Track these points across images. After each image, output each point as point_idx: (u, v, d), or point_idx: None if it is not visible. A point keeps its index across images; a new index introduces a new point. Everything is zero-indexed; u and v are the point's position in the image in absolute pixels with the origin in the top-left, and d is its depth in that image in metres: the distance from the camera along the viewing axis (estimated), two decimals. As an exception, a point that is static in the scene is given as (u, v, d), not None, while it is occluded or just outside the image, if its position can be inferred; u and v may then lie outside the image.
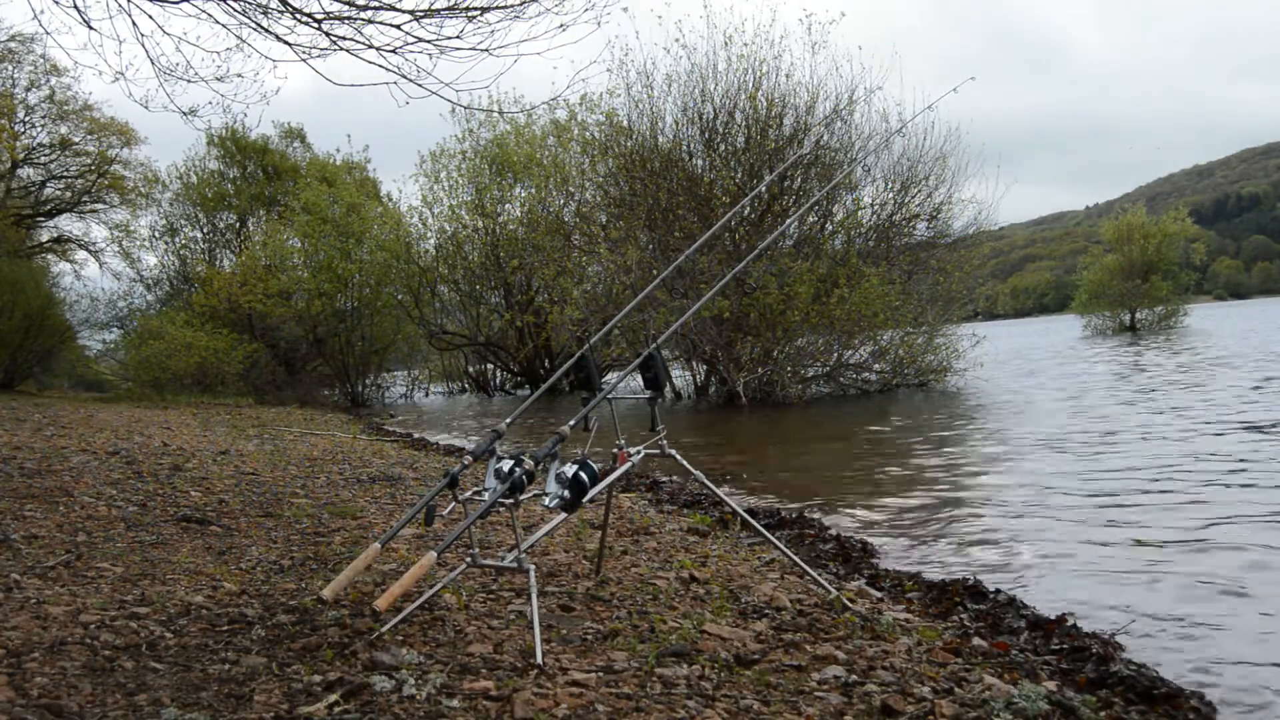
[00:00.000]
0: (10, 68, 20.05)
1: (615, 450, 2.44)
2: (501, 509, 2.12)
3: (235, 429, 9.40)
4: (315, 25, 4.85)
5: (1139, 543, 3.57)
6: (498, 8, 4.88)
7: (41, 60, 19.92)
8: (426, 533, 3.37)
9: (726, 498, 2.69)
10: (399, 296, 20.76)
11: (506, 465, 2.08)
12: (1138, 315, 35.69)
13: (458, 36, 4.93)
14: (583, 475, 2.17)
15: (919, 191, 13.63)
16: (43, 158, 21.96)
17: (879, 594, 3.00)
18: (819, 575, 2.78)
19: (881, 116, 16.60)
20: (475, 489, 2.17)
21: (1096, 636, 2.46)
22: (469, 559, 2.20)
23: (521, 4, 4.87)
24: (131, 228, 22.61)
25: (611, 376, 2.60)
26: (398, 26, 4.87)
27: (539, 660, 1.92)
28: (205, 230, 23.32)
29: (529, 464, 2.07)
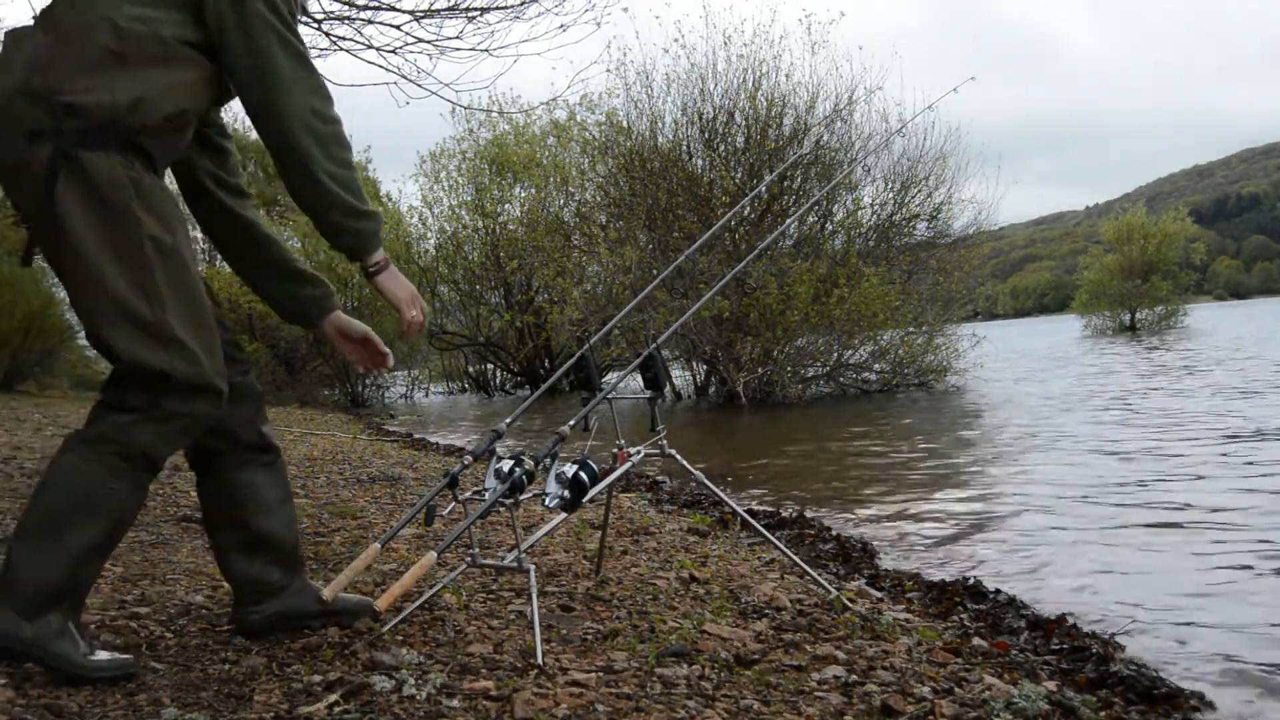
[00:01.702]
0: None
1: (615, 450, 2.44)
2: (501, 509, 2.12)
3: (235, 429, 9.38)
4: (315, 25, 4.85)
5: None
6: (498, 8, 4.88)
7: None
8: (426, 533, 3.37)
9: (726, 498, 2.69)
10: (398, 296, 20.71)
11: (506, 465, 2.08)
12: (1138, 315, 35.70)
13: (458, 37, 4.95)
14: (583, 475, 2.16)
15: (919, 191, 13.64)
16: (43, 158, 21.95)
17: (879, 594, 3.00)
18: (819, 575, 2.78)
19: (881, 116, 16.59)
20: (475, 489, 2.17)
21: (1096, 636, 2.46)
22: (469, 559, 2.20)
23: (521, 4, 4.88)
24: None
25: (611, 376, 2.60)
26: (397, 27, 4.88)
27: (539, 660, 1.92)
28: (205, 230, 23.29)
29: (529, 464, 2.07)
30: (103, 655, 1.78)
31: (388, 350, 2.19)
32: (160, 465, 1.80)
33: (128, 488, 1.75)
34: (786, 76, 13.22)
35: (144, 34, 1.70)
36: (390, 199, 23.02)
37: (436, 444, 9.05)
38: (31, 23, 1.73)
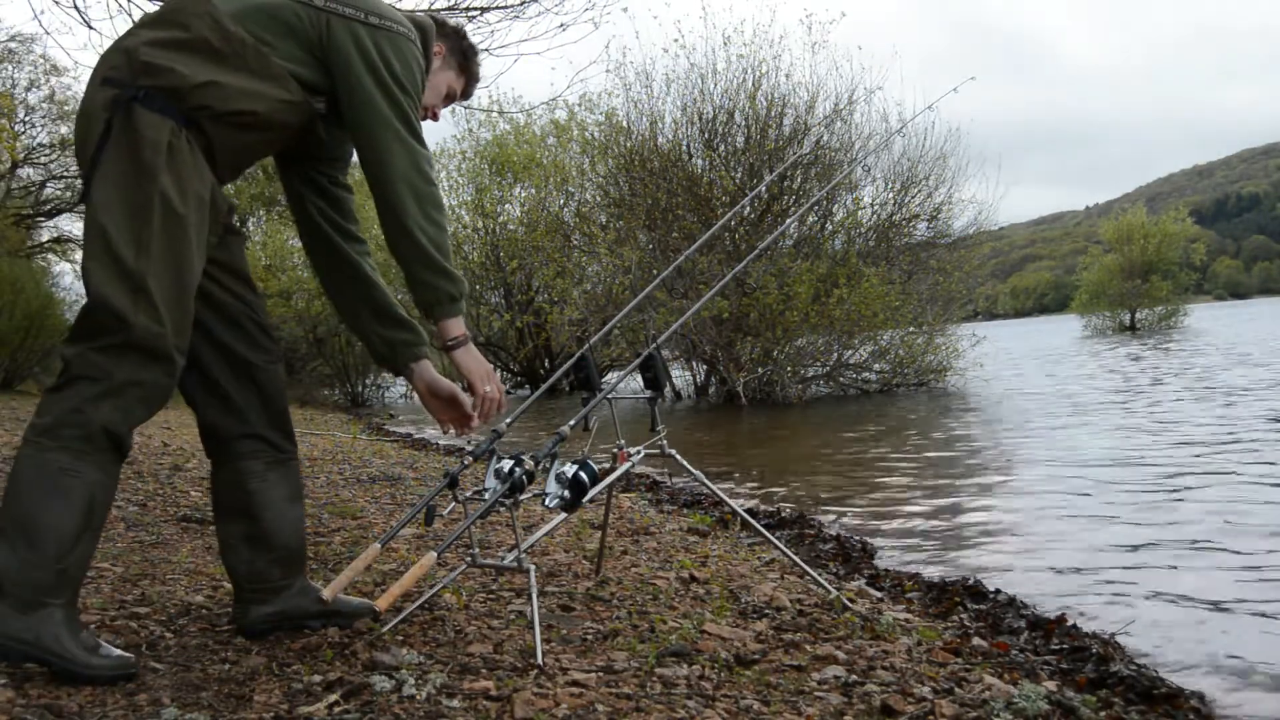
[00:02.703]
0: (10, 68, 20.06)
1: (615, 450, 2.44)
2: (501, 509, 2.12)
3: (235, 429, 9.36)
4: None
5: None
6: (498, 7, 4.89)
7: (41, 60, 19.93)
8: (426, 533, 3.37)
9: (726, 498, 2.69)
10: (399, 296, 20.68)
11: (506, 465, 2.08)
12: (1138, 315, 35.68)
13: (458, 36, 4.94)
14: (583, 475, 2.16)
15: (919, 191, 13.63)
16: (43, 158, 21.94)
17: (879, 594, 3.00)
18: (819, 575, 2.78)
19: (882, 116, 16.61)
20: (475, 489, 2.17)
21: (1096, 636, 2.46)
22: (469, 559, 2.20)
23: (521, 3, 4.88)
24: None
25: (611, 376, 2.60)
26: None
27: (539, 660, 1.92)
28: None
29: (529, 464, 2.07)
30: (113, 652, 1.78)
31: (474, 414, 2.21)
32: (125, 442, 1.78)
33: (94, 470, 1.73)
34: (786, 76, 13.28)
35: (249, 44, 1.84)
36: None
37: (437, 444, 9.04)
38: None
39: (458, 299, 2.04)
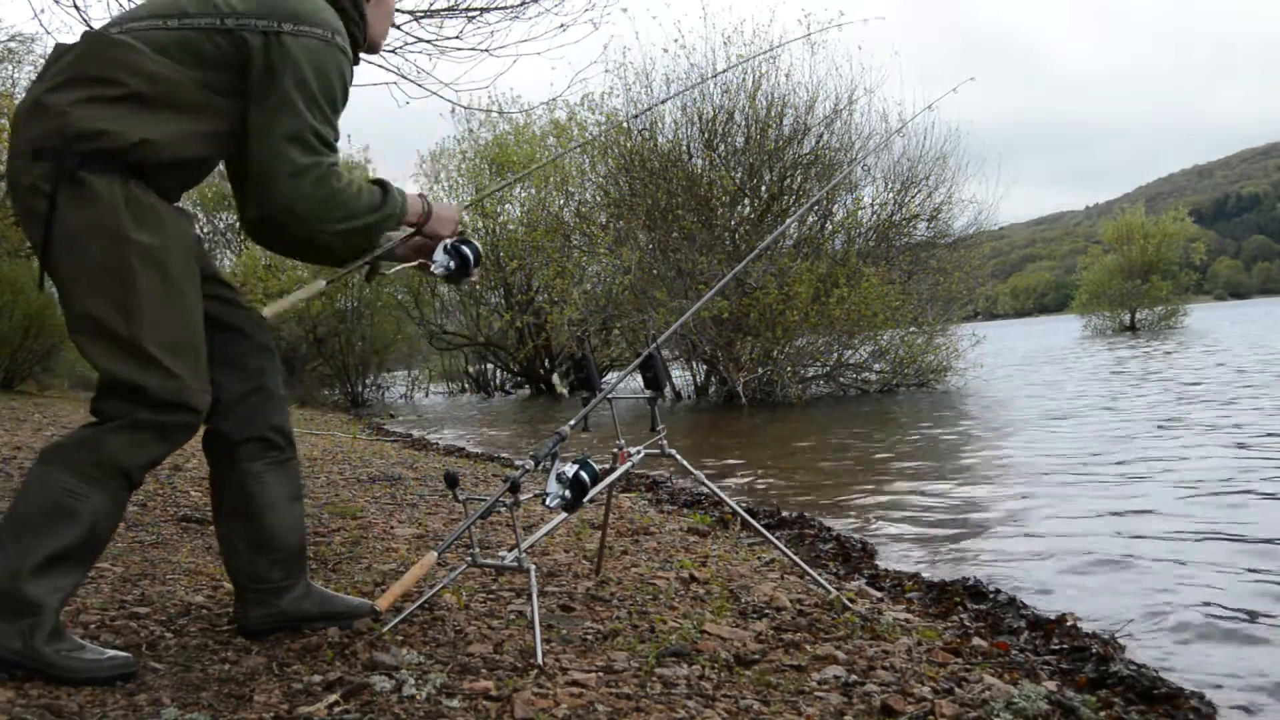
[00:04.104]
0: (10, 68, 20.03)
1: (615, 450, 2.44)
2: (502, 509, 2.12)
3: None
4: (315, 25, 4.83)
5: None
6: (497, 8, 4.88)
7: (41, 60, 19.91)
8: (426, 533, 3.37)
9: (726, 498, 2.69)
10: (399, 296, 20.71)
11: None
12: (1138, 315, 35.64)
13: (457, 37, 4.94)
14: (583, 475, 2.16)
15: (919, 192, 13.63)
16: (43, 158, 21.90)
17: (879, 594, 3.00)
18: (819, 575, 2.78)
19: (881, 116, 16.59)
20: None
21: (1096, 636, 2.46)
22: (469, 559, 2.20)
23: (521, 4, 4.88)
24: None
25: (611, 376, 2.60)
26: (398, 27, 4.86)
27: (539, 660, 1.92)
28: (205, 230, 23.28)
29: (529, 464, 2.07)
30: (105, 652, 1.78)
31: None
32: (137, 477, 1.79)
33: (101, 497, 1.74)
34: (786, 76, 13.25)
35: (174, 81, 1.78)
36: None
37: (437, 444, 9.04)
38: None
39: (394, 215, 2.02)
